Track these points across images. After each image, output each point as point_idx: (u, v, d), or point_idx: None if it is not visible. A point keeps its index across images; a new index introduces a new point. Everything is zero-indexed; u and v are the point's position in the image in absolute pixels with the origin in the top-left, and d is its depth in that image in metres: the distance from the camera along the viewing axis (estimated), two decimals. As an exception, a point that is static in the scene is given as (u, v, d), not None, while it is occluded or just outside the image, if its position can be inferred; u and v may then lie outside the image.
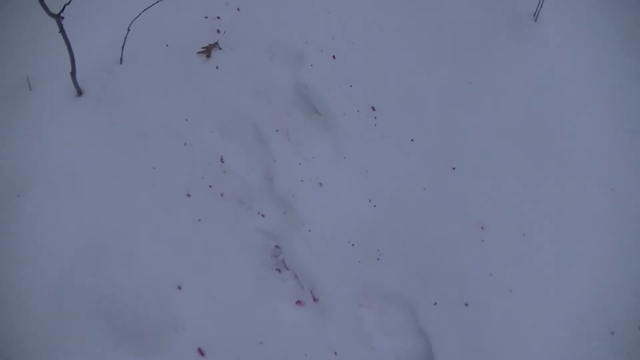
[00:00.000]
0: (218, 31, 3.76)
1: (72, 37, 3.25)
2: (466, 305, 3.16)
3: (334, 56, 3.70)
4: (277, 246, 3.36)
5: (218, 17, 3.79)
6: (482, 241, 3.26)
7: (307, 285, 3.27)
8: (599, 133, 3.51)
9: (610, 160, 3.43)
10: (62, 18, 3.09)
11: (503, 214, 3.32)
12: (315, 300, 3.23)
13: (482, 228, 3.27)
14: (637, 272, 3.24)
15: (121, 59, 3.61)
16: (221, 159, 3.45)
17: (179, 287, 3.17)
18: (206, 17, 3.79)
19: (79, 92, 3.52)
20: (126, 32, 3.49)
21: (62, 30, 3.15)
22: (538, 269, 3.22)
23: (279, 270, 3.32)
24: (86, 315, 3.09)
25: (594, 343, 3.11)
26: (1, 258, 3.15)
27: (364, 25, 3.80)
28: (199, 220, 3.31)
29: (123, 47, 3.55)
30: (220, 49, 3.72)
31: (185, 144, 3.46)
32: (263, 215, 3.39)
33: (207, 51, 3.71)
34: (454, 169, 3.40)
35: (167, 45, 3.69)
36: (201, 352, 3.08)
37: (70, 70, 3.40)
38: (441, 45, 3.74)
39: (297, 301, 3.25)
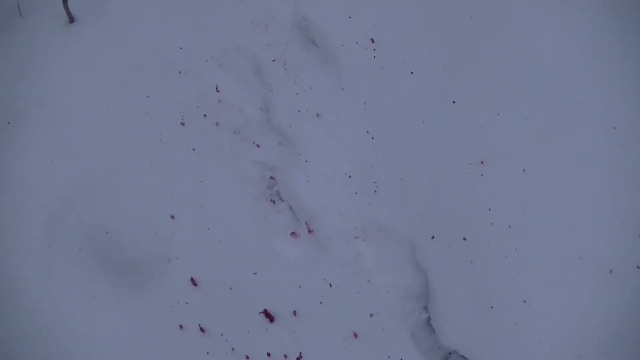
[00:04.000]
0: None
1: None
2: (464, 239, 3.11)
3: (330, -15, 3.62)
4: (272, 177, 3.31)
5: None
6: (482, 176, 3.20)
7: (302, 217, 3.22)
8: (599, 70, 3.43)
9: (612, 98, 3.36)
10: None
11: (503, 149, 3.25)
12: (310, 231, 3.18)
13: (482, 162, 3.21)
14: (637, 211, 3.19)
15: (114, -14, 3.52)
16: (216, 88, 3.38)
17: (172, 217, 3.13)
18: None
19: (71, 19, 3.45)
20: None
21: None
22: (537, 205, 3.17)
23: (274, 202, 3.27)
24: (79, 245, 3.08)
25: (592, 280, 3.08)
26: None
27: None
28: (193, 149, 3.25)
29: (115, -27, 3.47)
30: (219, -22, 3.63)
31: (179, 73, 3.39)
32: (258, 146, 3.33)
33: (203, -21, 3.62)
34: (454, 102, 3.33)
35: (160, -29, 3.59)
36: (194, 282, 3.05)
37: None
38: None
39: (292, 233, 3.20)
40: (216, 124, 3.32)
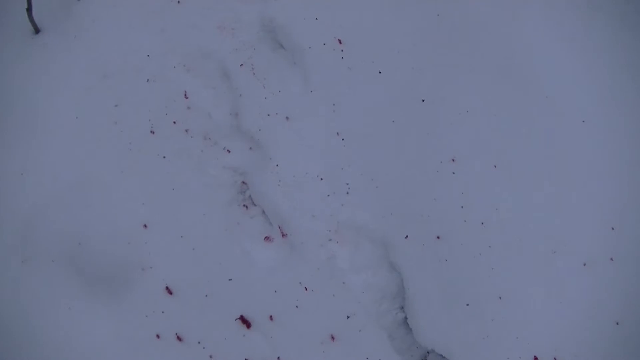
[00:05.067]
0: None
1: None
2: (438, 238, 3.12)
3: (297, -13, 3.60)
4: (243, 182, 3.29)
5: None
6: (453, 173, 3.21)
7: (275, 221, 3.21)
8: (570, 66, 3.45)
9: (580, 91, 3.39)
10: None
11: (474, 147, 3.27)
12: (284, 235, 3.17)
13: (453, 160, 3.22)
14: (609, 203, 3.21)
15: (80, -5, 3.50)
16: (185, 95, 3.36)
17: (145, 226, 3.11)
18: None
19: (36, 30, 3.42)
20: (85, -34, 3.38)
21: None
22: (509, 201, 3.20)
23: (246, 207, 3.25)
24: (52, 258, 3.07)
25: (565, 274, 3.10)
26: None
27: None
28: (164, 157, 3.24)
29: (81, -19, 3.44)
30: (182, -17, 3.61)
31: (147, 80, 3.37)
32: (229, 151, 3.31)
33: (169, -15, 3.60)
34: (423, 101, 3.33)
35: (126, -20, 3.57)
36: (169, 291, 3.04)
37: (26, 7, 3.29)
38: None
39: (266, 237, 3.19)
40: (186, 130, 3.30)
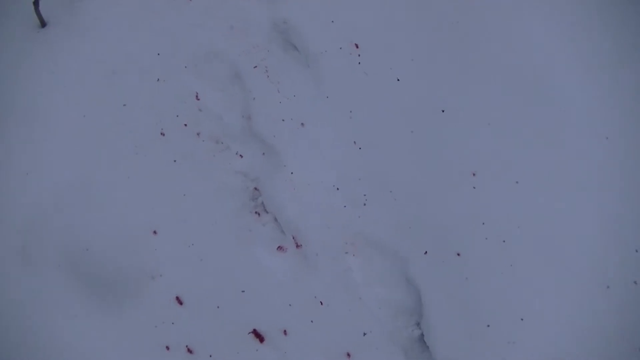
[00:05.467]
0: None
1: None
2: (458, 255, 3.05)
3: (313, -13, 3.51)
4: (256, 188, 3.20)
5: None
6: (474, 188, 3.14)
7: (288, 230, 3.13)
8: (591, 79, 3.37)
9: (605, 109, 3.32)
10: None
11: (495, 161, 3.20)
12: (298, 246, 3.09)
13: (474, 174, 3.15)
14: (633, 225, 3.16)
15: (87, -12, 3.38)
16: (196, 96, 3.27)
17: (155, 232, 3.03)
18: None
19: (43, 24, 3.31)
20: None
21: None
22: (531, 218, 3.12)
23: (258, 214, 3.17)
24: (57, 264, 2.98)
25: (589, 297, 3.04)
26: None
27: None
28: (174, 161, 3.14)
29: (90, -25, 3.33)
30: (193, -19, 3.50)
31: (157, 80, 3.26)
32: (241, 156, 3.23)
33: (180, -15, 3.48)
34: (443, 111, 3.25)
35: (134, -25, 3.46)
36: (179, 301, 2.96)
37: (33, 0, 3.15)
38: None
39: (279, 247, 3.10)
40: (197, 134, 3.21)
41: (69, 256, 2.97)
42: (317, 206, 3.15)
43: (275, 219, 3.16)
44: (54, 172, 3.08)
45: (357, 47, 3.37)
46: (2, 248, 2.98)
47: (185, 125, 3.21)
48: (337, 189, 3.16)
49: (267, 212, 3.18)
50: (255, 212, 3.17)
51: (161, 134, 3.18)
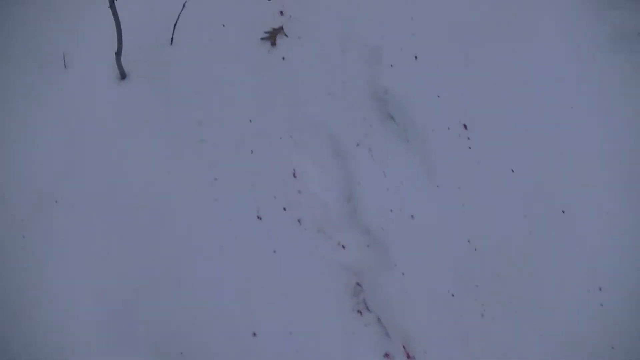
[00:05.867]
0: (281, 13, 3.21)
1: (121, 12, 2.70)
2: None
3: (415, 57, 3.20)
4: (358, 283, 2.90)
5: (280, -4, 3.22)
6: (601, 305, 2.89)
7: (396, 336, 2.84)
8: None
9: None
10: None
11: (624, 275, 2.95)
12: (409, 357, 2.81)
13: (600, 289, 2.92)
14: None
15: (172, 39, 3.04)
16: (294, 174, 2.94)
17: (254, 334, 2.71)
18: (267, -5, 3.21)
19: (123, 75, 2.99)
20: (181, 8, 2.94)
21: (112, 4, 2.60)
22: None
23: (360, 312, 2.88)
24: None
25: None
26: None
27: (449, 23, 3.29)
28: (274, 251, 2.83)
29: (175, 25, 3.01)
30: (286, 35, 3.17)
31: (252, 152, 2.93)
32: (343, 247, 2.93)
33: (273, 37, 3.16)
34: (563, 212, 3.00)
35: (223, 25, 3.12)
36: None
37: (116, 50, 2.86)
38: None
39: (386, 354, 2.82)
40: (298, 220, 2.89)
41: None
42: (430, 313, 2.87)
43: (379, 320, 2.87)
44: (135, 258, 2.77)
45: (465, 128, 3.09)
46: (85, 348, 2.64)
47: (285, 209, 2.91)
48: (452, 295, 2.89)
49: (369, 311, 2.89)
50: (357, 311, 2.88)
51: (258, 217, 2.87)
